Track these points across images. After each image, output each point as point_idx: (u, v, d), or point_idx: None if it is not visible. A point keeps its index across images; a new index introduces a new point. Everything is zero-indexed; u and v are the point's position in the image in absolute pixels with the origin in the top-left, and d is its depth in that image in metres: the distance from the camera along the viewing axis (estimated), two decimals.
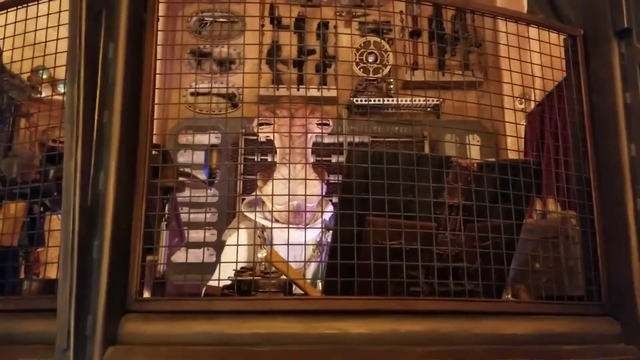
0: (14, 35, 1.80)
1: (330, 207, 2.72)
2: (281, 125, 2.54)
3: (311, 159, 2.65)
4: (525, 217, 1.95)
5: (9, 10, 1.82)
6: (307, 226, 2.48)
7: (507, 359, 1.57)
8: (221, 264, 2.19)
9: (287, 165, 2.35)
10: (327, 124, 2.61)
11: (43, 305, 1.57)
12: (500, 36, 2.07)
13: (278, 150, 2.61)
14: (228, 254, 2.52)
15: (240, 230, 2.56)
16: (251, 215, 2.59)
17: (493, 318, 1.67)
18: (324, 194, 2.61)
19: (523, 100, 3.23)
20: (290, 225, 2.05)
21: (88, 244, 1.48)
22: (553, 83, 2.09)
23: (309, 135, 2.54)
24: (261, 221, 2.58)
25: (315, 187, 2.48)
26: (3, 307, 1.65)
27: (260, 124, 2.59)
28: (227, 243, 2.68)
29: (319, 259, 2.60)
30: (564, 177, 1.96)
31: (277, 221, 2.51)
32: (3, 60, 2.02)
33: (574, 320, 1.77)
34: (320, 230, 2.63)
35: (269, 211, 2.55)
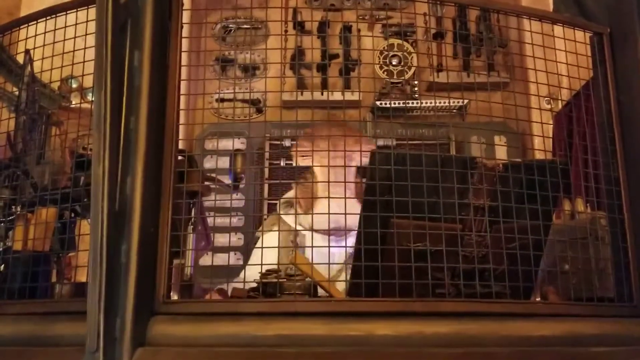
0: (44, 45, 1.85)
1: None
2: (322, 157, 2.47)
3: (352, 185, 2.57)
4: (553, 217, 1.93)
5: (38, 21, 1.88)
6: (342, 239, 2.43)
7: None
8: (253, 260, 2.17)
9: (329, 196, 2.27)
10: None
11: (74, 308, 1.61)
12: (526, 35, 2.05)
13: (319, 178, 2.58)
14: (258, 253, 2.47)
15: (273, 232, 2.51)
16: (286, 218, 2.58)
17: (520, 320, 1.65)
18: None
19: (550, 100, 3.18)
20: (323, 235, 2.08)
21: (116, 247, 1.51)
22: (580, 82, 2.06)
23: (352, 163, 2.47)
24: (294, 225, 2.57)
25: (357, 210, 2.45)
26: (35, 310, 1.69)
27: (301, 156, 2.56)
28: (260, 242, 2.66)
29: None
30: (593, 176, 1.93)
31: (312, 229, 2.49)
32: (34, 69, 2.07)
33: (604, 322, 1.74)
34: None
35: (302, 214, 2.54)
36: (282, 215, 2.63)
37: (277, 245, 2.38)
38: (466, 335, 1.58)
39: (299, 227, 2.54)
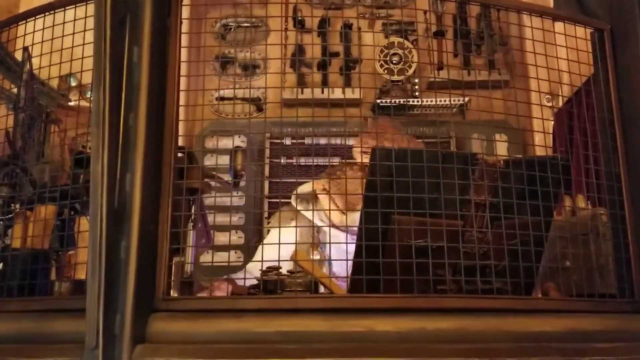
0: (42, 42, 1.84)
1: None
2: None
3: None
4: (554, 214, 1.92)
5: (37, 17, 1.87)
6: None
7: (536, 357, 1.55)
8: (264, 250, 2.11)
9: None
10: None
11: (74, 305, 1.60)
12: (526, 32, 2.04)
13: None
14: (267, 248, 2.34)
15: (290, 226, 2.38)
16: (306, 213, 2.53)
17: (521, 315, 1.65)
18: None
19: (551, 97, 3.17)
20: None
21: (116, 244, 1.51)
22: (581, 78, 2.05)
23: None
24: (315, 221, 2.50)
25: None
26: (35, 307, 1.69)
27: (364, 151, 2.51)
28: (273, 236, 2.55)
29: None
30: (594, 173, 1.93)
31: (333, 225, 2.45)
32: (32, 66, 2.07)
33: (605, 317, 1.73)
34: None
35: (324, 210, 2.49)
36: (300, 210, 2.58)
37: (294, 240, 2.33)
38: (468, 331, 1.57)
39: (321, 223, 2.50)
